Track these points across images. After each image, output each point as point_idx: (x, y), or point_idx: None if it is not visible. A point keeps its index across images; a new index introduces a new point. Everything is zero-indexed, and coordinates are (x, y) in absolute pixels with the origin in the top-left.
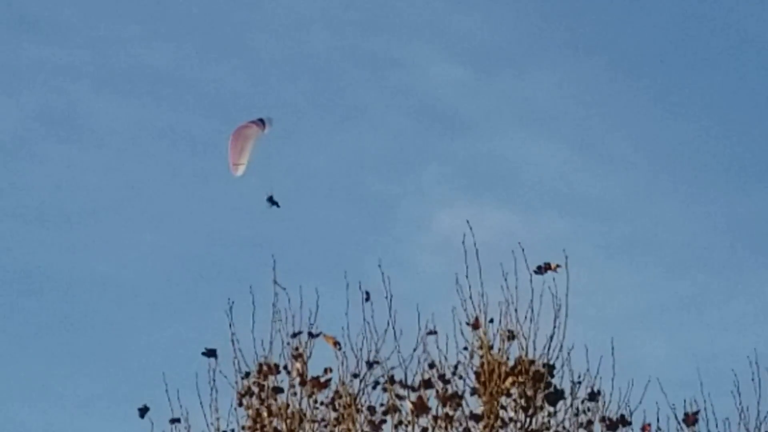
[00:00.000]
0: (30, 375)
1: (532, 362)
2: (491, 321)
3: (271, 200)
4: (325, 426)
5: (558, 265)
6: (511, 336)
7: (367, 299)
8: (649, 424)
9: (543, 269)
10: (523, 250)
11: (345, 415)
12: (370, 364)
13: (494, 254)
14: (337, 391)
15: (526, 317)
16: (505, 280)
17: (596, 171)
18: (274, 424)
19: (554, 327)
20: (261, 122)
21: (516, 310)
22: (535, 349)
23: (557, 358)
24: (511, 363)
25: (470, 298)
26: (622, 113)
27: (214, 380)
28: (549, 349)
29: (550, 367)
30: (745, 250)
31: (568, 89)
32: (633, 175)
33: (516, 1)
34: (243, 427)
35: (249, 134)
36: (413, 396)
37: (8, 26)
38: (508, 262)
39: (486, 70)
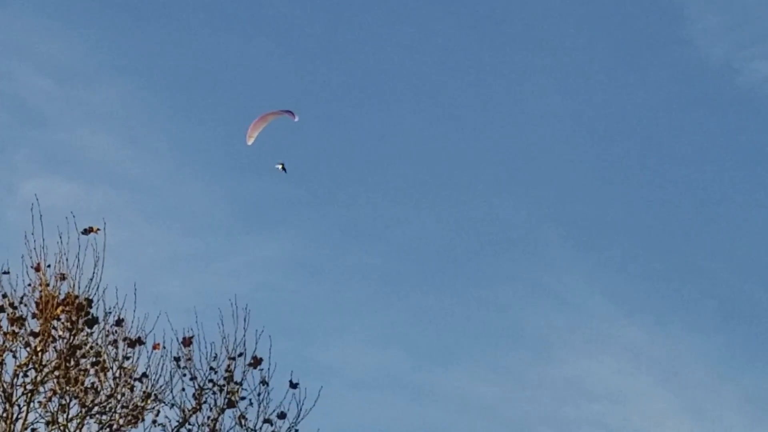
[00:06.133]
0: None
1: (77, 297)
2: (49, 266)
3: (283, 167)
4: None
5: (98, 228)
6: (63, 277)
7: None
8: (158, 344)
9: (87, 231)
10: (74, 216)
11: None
12: None
13: (60, 215)
14: None
15: (74, 264)
16: (60, 237)
17: (140, 157)
18: None
19: (94, 272)
20: (290, 113)
21: (67, 259)
22: (79, 287)
23: (95, 294)
24: (61, 297)
25: (34, 249)
26: (164, 118)
27: None
28: (90, 288)
29: (89, 301)
30: (241, 219)
31: (126, 100)
32: (164, 162)
33: (87, 30)
34: None
35: (268, 117)
36: None
37: None
38: (64, 224)
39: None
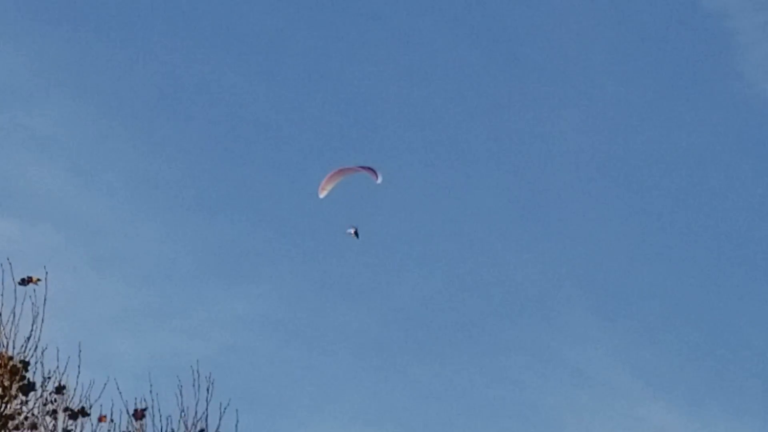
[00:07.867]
0: None
1: (10, 358)
2: None
3: (356, 233)
4: None
5: (38, 279)
6: None
7: None
8: (105, 416)
9: (26, 281)
10: (11, 264)
11: None
12: None
13: None
14: None
15: (8, 320)
16: None
17: (87, 192)
18: None
19: (32, 330)
20: (373, 171)
21: (1, 314)
22: (14, 347)
23: (32, 356)
24: None
25: None
26: (117, 147)
27: None
28: (26, 348)
29: (25, 363)
30: (206, 269)
31: (72, 125)
32: (117, 199)
33: (28, 43)
34: None
35: (347, 171)
36: None
37: None
38: None
39: None
